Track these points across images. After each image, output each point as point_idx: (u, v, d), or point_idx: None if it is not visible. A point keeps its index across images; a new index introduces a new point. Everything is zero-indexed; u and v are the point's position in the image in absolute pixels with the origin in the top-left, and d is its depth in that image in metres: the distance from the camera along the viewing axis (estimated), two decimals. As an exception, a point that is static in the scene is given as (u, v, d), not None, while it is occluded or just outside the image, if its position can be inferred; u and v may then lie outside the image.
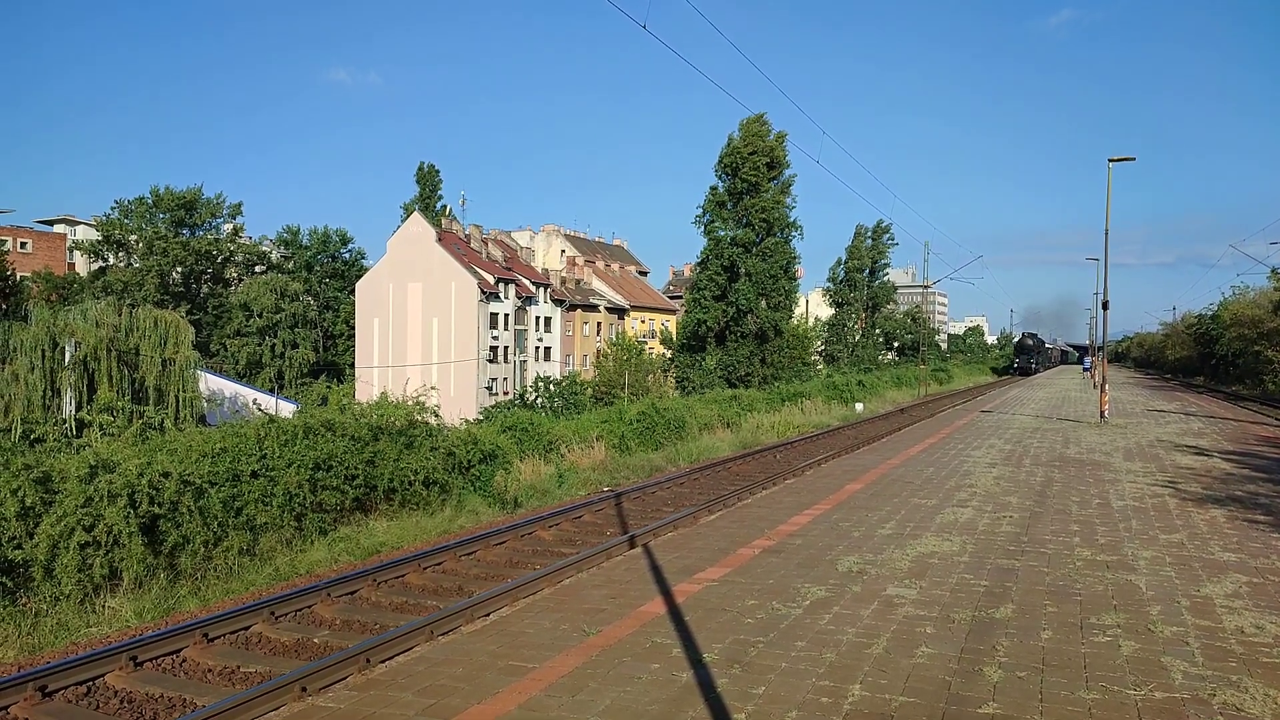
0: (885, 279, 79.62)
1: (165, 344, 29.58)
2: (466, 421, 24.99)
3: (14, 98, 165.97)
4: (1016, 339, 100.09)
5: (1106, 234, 27.31)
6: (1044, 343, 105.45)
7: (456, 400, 52.89)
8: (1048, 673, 5.53)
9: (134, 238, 69.39)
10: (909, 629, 6.39)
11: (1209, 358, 71.62)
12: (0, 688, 6.91)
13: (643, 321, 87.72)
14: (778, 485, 14.85)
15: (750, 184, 45.04)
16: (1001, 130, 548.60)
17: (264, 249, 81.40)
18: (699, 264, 48.09)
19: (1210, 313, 70.94)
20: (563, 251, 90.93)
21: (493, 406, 41.53)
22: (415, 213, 68.29)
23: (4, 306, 48.08)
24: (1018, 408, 31.88)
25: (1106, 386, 26.99)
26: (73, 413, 24.90)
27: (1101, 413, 25.38)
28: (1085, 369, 69.30)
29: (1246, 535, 9.68)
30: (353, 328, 69.72)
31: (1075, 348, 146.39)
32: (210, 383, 36.97)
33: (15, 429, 20.63)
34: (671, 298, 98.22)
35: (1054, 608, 6.92)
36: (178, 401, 28.95)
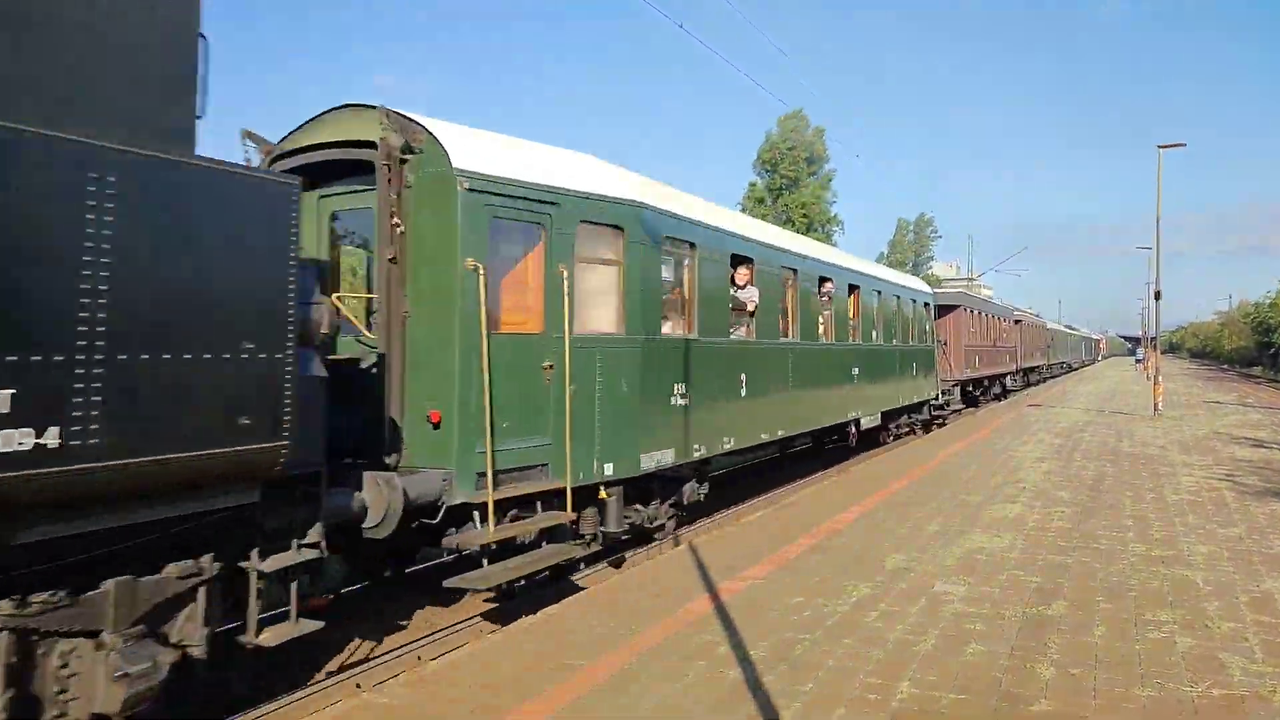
0: (929, 272, 78.62)
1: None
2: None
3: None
4: None
5: (1159, 222, 26.74)
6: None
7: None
8: (1101, 670, 5.45)
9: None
10: (958, 626, 6.33)
11: (1267, 347, 69.50)
12: None
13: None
14: (820, 483, 14.77)
15: (790, 179, 44.84)
16: (1051, 118, 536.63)
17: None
18: (739, 261, 47.99)
19: (1269, 301, 68.85)
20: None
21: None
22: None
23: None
24: (1067, 402, 31.29)
25: (1160, 378, 26.38)
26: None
27: (1155, 405, 24.80)
28: (1137, 360, 67.68)
29: (1309, 529, 9.41)
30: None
31: (1126, 338, 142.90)
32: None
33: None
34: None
35: (1107, 604, 6.80)
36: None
